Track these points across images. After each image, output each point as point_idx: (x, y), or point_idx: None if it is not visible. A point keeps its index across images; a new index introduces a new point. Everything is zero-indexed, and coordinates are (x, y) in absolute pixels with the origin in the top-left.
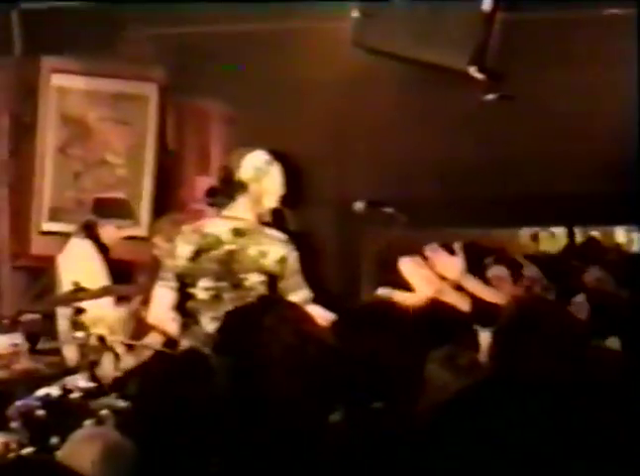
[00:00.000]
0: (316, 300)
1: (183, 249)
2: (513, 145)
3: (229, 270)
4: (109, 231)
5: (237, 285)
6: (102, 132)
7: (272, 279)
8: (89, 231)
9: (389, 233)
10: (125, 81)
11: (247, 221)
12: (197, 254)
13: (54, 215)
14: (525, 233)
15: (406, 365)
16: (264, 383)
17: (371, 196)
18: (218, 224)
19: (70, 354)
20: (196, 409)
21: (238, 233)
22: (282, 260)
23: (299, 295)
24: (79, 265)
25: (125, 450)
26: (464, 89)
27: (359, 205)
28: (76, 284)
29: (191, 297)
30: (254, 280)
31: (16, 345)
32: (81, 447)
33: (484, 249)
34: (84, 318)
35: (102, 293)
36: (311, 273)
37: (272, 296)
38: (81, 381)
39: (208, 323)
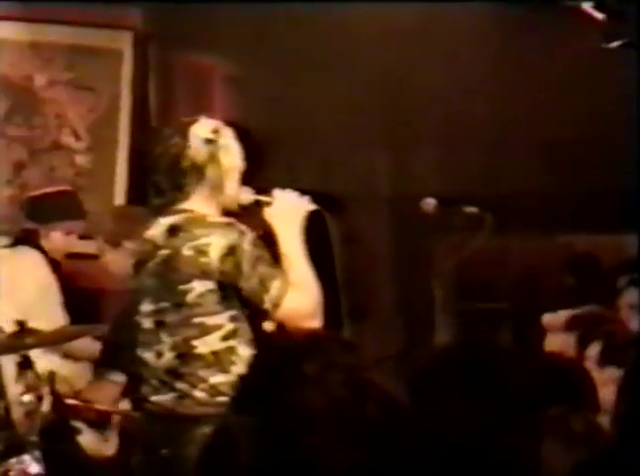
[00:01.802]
0: (368, 337)
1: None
2: None
3: (166, 284)
4: (55, 240)
5: (179, 303)
6: (55, 102)
7: (225, 283)
8: (31, 242)
9: (472, 241)
10: (87, 29)
11: (192, 213)
12: (136, 268)
13: None
14: None
15: (515, 442)
16: (303, 452)
17: (443, 191)
18: (159, 223)
19: (18, 423)
20: None
21: (172, 231)
22: (231, 251)
23: (276, 289)
24: (24, 291)
25: None
26: (576, 34)
27: (428, 203)
28: (21, 323)
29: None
30: (198, 290)
31: None
32: None
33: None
34: (34, 373)
35: (58, 337)
36: (361, 298)
37: (316, 332)
38: (33, 464)
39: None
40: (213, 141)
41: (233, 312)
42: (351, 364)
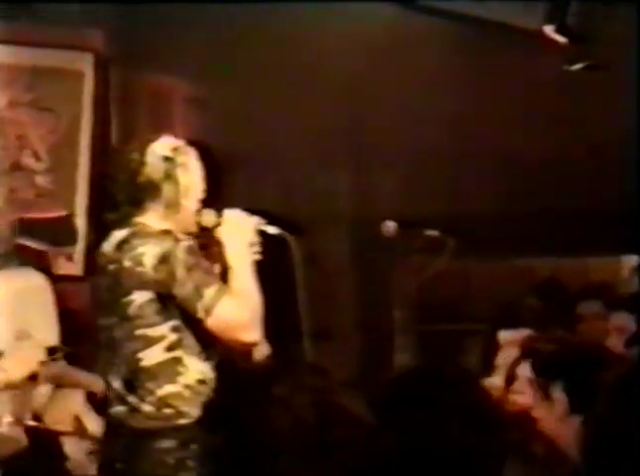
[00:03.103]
0: (328, 358)
1: None
2: (607, 132)
3: (114, 298)
4: (61, 264)
5: (123, 317)
6: (16, 123)
7: (162, 292)
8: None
9: (433, 264)
10: (48, 51)
11: (142, 227)
12: (94, 282)
13: None
14: (626, 263)
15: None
16: (270, 473)
17: (404, 213)
18: (112, 237)
19: None
20: None
21: (120, 245)
22: (164, 259)
23: (209, 296)
24: (29, 314)
25: None
26: (538, 57)
27: (388, 226)
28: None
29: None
30: (138, 302)
31: None
32: None
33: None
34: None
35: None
36: (322, 320)
37: (286, 355)
38: None
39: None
40: (171, 159)
41: (174, 322)
42: (318, 387)
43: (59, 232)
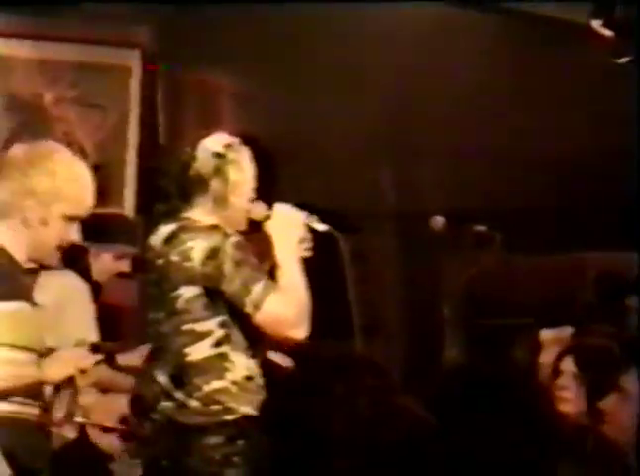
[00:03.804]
0: (378, 354)
1: None
2: None
3: (161, 292)
4: (105, 262)
5: (171, 312)
6: (63, 120)
7: (210, 287)
8: (76, 261)
9: (481, 260)
10: (94, 47)
11: (189, 221)
12: (144, 277)
13: None
14: None
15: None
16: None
17: (452, 208)
18: (160, 232)
19: None
20: None
21: (168, 240)
22: (213, 254)
23: (257, 292)
24: (71, 312)
25: None
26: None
27: (437, 221)
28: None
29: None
30: (186, 296)
31: None
32: None
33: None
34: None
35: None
36: (372, 318)
37: (346, 353)
38: None
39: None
40: (222, 155)
41: (222, 318)
42: (379, 386)
43: (107, 229)
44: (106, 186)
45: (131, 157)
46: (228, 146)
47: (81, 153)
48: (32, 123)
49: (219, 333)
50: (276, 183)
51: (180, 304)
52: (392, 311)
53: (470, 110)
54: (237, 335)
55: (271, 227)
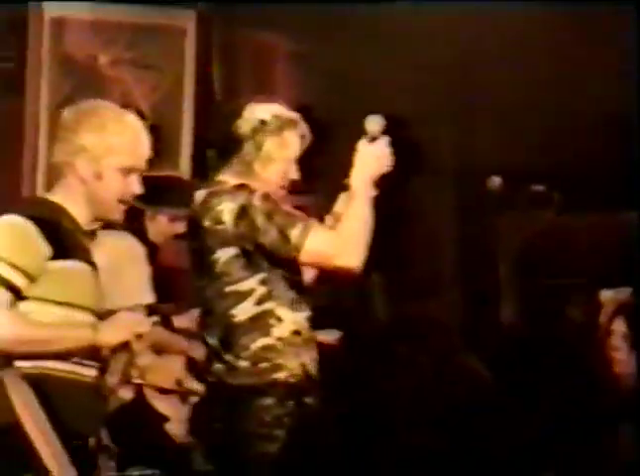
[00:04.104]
0: (434, 313)
1: None
2: None
3: (200, 259)
4: (161, 224)
5: (212, 276)
6: (119, 81)
7: (246, 246)
8: (133, 223)
9: (538, 219)
10: (150, 8)
11: (220, 185)
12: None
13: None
14: None
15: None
16: (390, 437)
17: (510, 168)
18: (197, 197)
19: None
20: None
21: (201, 205)
22: (243, 212)
23: (296, 236)
24: (127, 274)
25: None
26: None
27: (494, 181)
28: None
29: None
30: (223, 259)
31: None
32: None
33: None
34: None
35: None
36: (427, 276)
37: (408, 313)
38: None
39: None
40: (265, 123)
41: (262, 275)
42: (441, 346)
43: (162, 191)
44: (162, 148)
45: (187, 118)
46: (276, 117)
47: (138, 114)
48: (87, 85)
49: (261, 290)
50: (330, 143)
51: (219, 268)
52: (448, 269)
53: (528, 70)
54: (281, 290)
55: (359, 157)
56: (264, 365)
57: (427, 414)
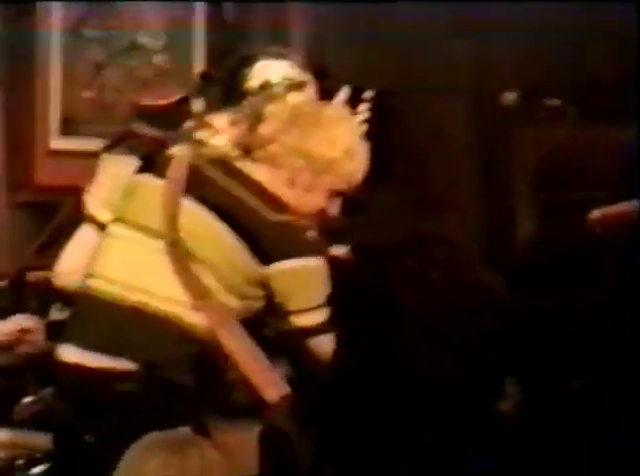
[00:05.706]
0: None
1: None
2: None
3: None
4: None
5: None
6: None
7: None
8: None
9: (554, 134)
10: None
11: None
12: None
13: (68, 127)
14: None
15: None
16: (400, 352)
17: (525, 82)
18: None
19: None
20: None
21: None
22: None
23: None
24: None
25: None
26: None
27: (508, 96)
28: None
29: None
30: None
31: (24, 331)
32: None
33: None
34: None
35: None
36: (443, 194)
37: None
38: None
39: None
40: (268, 86)
41: None
42: (451, 259)
43: (176, 117)
44: (175, 69)
45: (199, 37)
46: (285, 79)
47: (150, 34)
48: (99, 8)
49: None
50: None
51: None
52: (464, 187)
53: None
54: None
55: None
56: None
57: (435, 323)
